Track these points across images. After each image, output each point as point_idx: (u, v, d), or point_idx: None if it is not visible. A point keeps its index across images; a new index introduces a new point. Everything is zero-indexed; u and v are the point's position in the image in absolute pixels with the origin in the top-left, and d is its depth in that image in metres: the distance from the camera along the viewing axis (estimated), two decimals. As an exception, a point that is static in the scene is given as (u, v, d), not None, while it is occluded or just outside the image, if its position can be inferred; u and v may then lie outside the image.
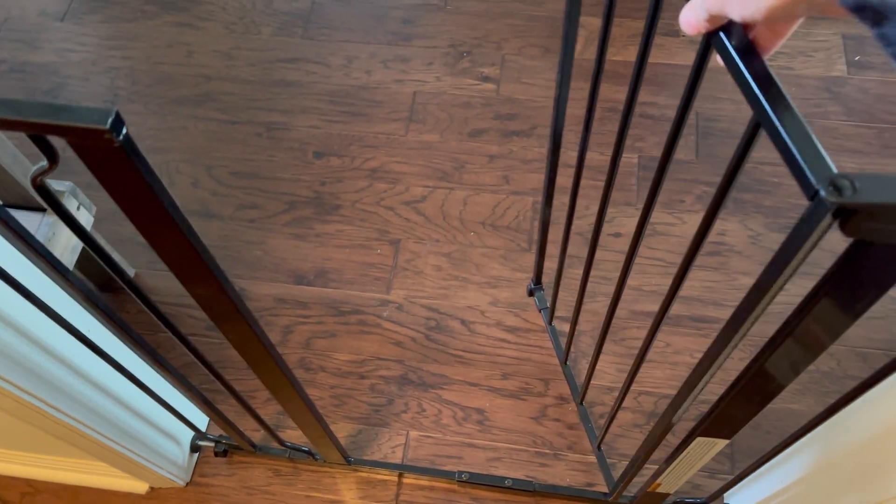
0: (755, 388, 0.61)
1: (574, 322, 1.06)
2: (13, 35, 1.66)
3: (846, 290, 0.46)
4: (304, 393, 0.88)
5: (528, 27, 1.61)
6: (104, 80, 1.59)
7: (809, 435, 0.85)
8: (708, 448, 0.80)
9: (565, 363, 1.23)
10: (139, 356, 0.83)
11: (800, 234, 0.42)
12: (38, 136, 0.46)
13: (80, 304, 0.83)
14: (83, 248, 1.21)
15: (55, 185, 1.14)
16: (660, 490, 0.99)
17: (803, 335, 0.51)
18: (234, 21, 1.67)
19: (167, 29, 1.66)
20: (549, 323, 1.26)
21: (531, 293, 1.29)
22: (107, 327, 0.86)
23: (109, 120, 0.43)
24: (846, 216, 0.39)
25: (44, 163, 0.49)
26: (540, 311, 1.28)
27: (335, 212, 1.40)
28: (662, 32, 1.58)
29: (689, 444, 0.80)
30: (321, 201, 1.41)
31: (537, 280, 1.26)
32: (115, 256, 1.32)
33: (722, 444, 0.79)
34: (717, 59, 0.48)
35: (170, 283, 1.34)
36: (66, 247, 1.16)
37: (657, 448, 0.87)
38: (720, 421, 0.73)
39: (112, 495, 1.17)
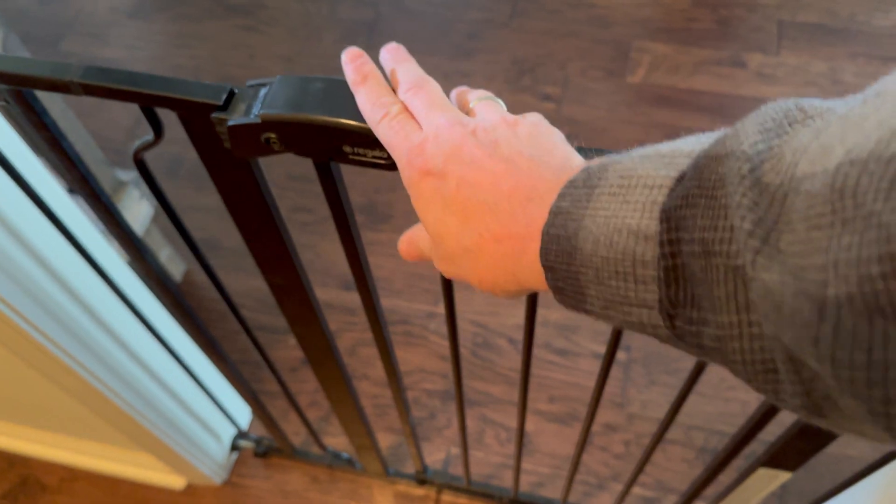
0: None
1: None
2: (84, 29, 1.70)
3: None
4: (355, 393, 0.86)
5: (592, 49, 1.60)
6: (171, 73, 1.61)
7: (865, 482, 0.82)
8: (768, 481, 0.76)
9: (614, 390, 1.19)
10: (197, 345, 0.83)
11: None
12: (149, 107, 0.46)
13: (150, 289, 0.83)
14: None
15: (121, 174, 1.15)
16: (711, 527, 0.96)
17: None
18: (297, 27, 1.68)
19: (232, 31, 1.68)
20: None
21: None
22: (171, 314, 0.86)
23: (223, 97, 0.43)
24: None
25: (149, 136, 0.49)
26: (591, 335, 1.25)
27: (387, 221, 1.40)
28: (729, 63, 1.56)
29: (749, 476, 0.77)
30: (374, 209, 1.41)
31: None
32: (169, 251, 1.32)
33: (784, 477, 0.76)
34: None
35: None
36: (135, 221, 1.17)
37: (710, 483, 0.85)
38: (787, 450, 0.70)
39: (148, 489, 1.17)
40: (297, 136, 0.42)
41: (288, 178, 1.45)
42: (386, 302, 1.31)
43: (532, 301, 0.57)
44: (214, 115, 0.43)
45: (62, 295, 0.72)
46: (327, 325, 0.73)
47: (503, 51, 1.61)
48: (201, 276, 1.35)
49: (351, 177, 1.45)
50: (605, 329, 1.26)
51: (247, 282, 1.34)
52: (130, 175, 1.15)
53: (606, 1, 1.67)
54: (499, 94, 1.65)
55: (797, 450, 0.70)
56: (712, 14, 1.63)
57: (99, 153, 1.09)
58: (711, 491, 1.08)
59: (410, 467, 1.15)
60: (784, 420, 0.66)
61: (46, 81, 0.45)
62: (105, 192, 0.61)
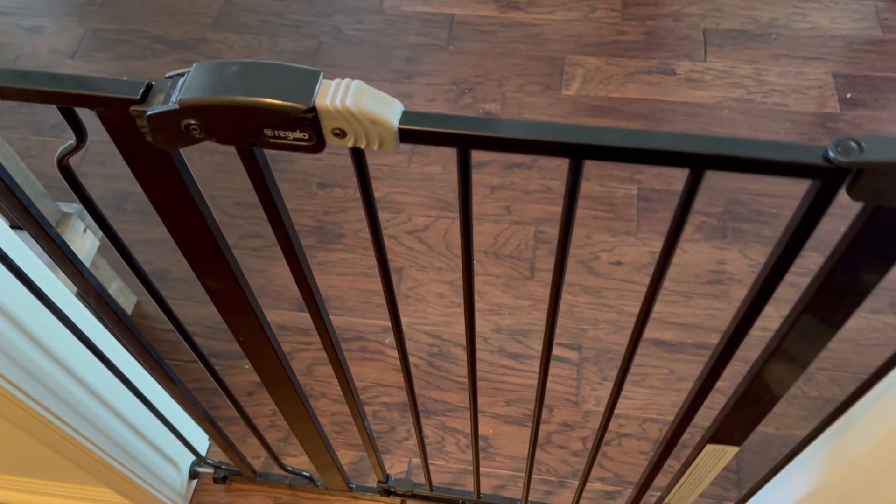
0: (771, 377, 0.62)
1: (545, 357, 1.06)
2: None
3: (858, 260, 0.47)
4: (312, 411, 0.87)
5: (527, 66, 1.65)
6: (112, 114, 1.61)
7: (813, 452, 0.85)
8: (718, 457, 0.79)
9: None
10: (151, 374, 0.83)
11: (816, 207, 0.43)
12: (68, 108, 0.47)
13: (100, 320, 0.83)
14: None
15: (63, 206, 1.15)
16: (668, 512, 0.98)
17: (817, 308, 0.51)
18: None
19: (176, 67, 1.69)
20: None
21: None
22: (123, 345, 0.86)
23: (140, 90, 0.44)
24: (854, 178, 0.41)
25: (71, 141, 0.50)
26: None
27: (338, 241, 1.41)
28: (659, 71, 1.62)
29: (698, 455, 0.79)
30: (324, 230, 1.43)
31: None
32: (118, 284, 1.32)
33: (732, 452, 0.78)
34: None
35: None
36: (80, 253, 1.16)
37: (664, 465, 0.87)
38: (729, 424, 0.72)
39: (107, 524, 1.15)
40: (216, 120, 0.43)
41: (235, 205, 1.46)
42: (340, 320, 1.31)
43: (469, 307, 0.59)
44: (133, 108, 0.45)
45: (11, 329, 0.72)
46: (275, 337, 0.75)
47: (442, 72, 1.66)
48: (152, 309, 1.35)
49: (299, 200, 1.46)
50: (558, 331, 1.29)
51: (198, 310, 1.34)
52: (74, 207, 1.15)
53: (539, 20, 1.73)
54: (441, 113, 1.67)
55: (738, 421, 0.72)
56: (640, 26, 1.70)
57: (40, 187, 1.09)
58: (664, 481, 1.11)
59: (372, 481, 1.15)
60: (725, 393, 0.68)
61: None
62: (49, 222, 0.62)
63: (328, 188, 1.49)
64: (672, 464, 1.15)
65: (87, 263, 1.18)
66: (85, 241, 1.18)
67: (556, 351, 1.27)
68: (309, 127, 0.43)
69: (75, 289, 1.14)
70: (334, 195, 1.47)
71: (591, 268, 1.36)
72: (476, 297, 1.34)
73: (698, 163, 0.42)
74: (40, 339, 0.76)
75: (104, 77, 0.46)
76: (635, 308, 1.31)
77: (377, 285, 1.36)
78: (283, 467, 1.08)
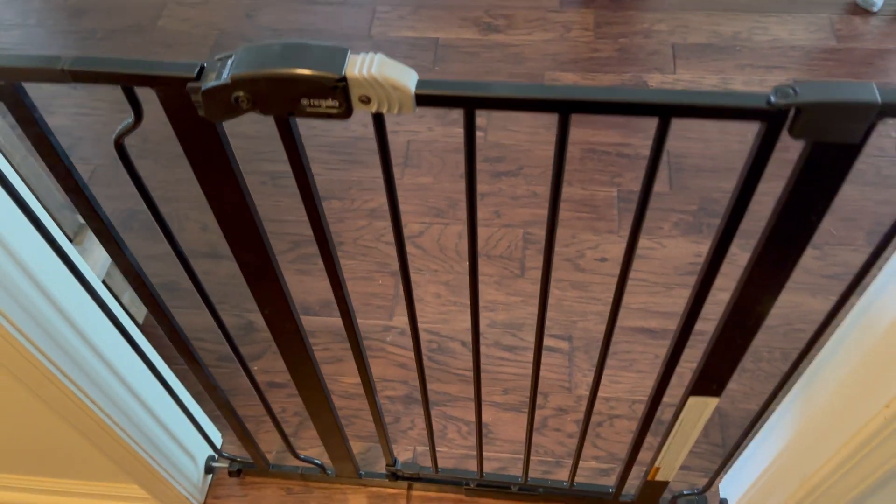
0: (738, 321, 0.70)
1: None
2: (29, 102, 1.78)
3: (806, 192, 0.55)
4: (323, 379, 0.94)
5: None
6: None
7: (784, 409, 0.93)
8: (700, 410, 0.87)
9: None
10: (173, 373, 0.90)
11: (765, 147, 0.52)
12: (129, 88, 0.55)
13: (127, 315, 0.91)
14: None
15: (82, 219, 1.22)
16: (659, 477, 1.05)
17: (771, 252, 0.60)
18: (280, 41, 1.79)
19: (175, 93, 1.78)
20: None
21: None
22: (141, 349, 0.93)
23: (196, 69, 0.53)
24: (794, 119, 0.50)
25: (129, 120, 0.58)
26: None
27: (338, 248, 1.49)
28: (632, 84, 1.73)
29: (683, 409, 0.87)
30: (324, 240, 1.50)
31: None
32: (130, 295, 1.38)
33: (712, 404, 0.86)
34: None
35: (183, 320, 1.40)
36: (96, 264, 1.23)
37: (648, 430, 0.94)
38: (708, 375, 0.80)
39: (127, 520, 1.20)
40: (262, 91, 0.52)
41: (239, 219, 1.53)
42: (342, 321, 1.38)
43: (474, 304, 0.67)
44: (190, 84, 0.53)
45: (60, 320, 0.80)
46: (296, 308, 0.82)
47: (430, 90, 1.75)
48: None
49: (300, 213, 1.54)
50: (547, 323, 1.37)
51: (207, 319, 1.40)
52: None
53: (518, 40, 1.84)
54: (431, 129, 1.80)
55: (716, 368, 0.80)
56: (613, 44, 1.82)
57: (60, 199, 1.16)
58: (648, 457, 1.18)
59: (381, 468, 1.21)
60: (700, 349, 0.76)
61: (40, 72, 0.54)
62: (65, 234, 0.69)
63: (327, 200, 1.57)
64: (652, 440, 1.22)
65: (103, 272, 1.25)
66: (102, 252, 1.24)
67: (548, 342, 1.35)
68: (340, 95, 0.51)
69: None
70: (333, 207, 1.55)
71: (577, 265, 1.44)
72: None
73: (665, 112, 0.51)
74: (81, 328, 0.83)
75: (163, 61, 0.54)
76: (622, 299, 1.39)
77: (377, 288, 1.43)
78: (296, 455, 1.14)
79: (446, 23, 1.89)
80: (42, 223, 0.72)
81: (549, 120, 1.68)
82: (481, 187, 1.57)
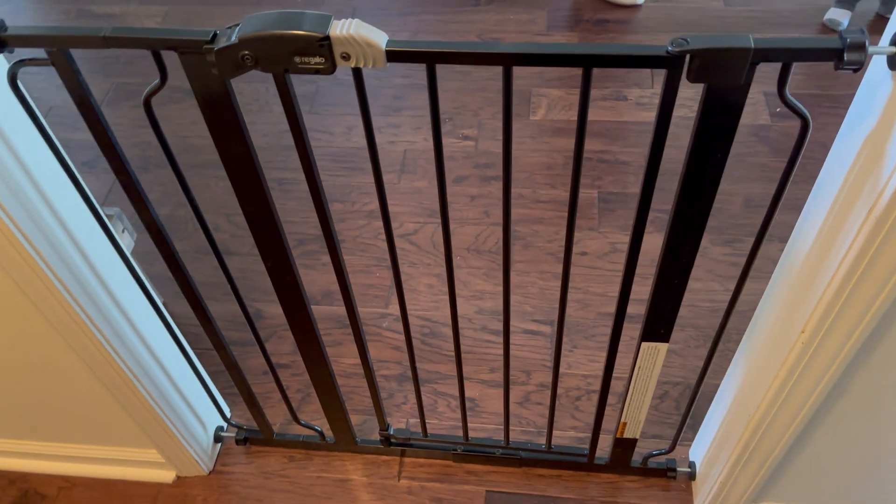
0: (671, 264, 0.81)
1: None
2: (58, 119, 1.93)
3: (707, 136, 0.67)
4: (332, 371, 1.05)
5: (499, 98, 1.90)
6: (137, 151, 1.84)
7: (732, 367, 1.02)
8: (654, 356, 0.97)
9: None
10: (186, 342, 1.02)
11: (670, 87, 0.64)
12: (157, 52, 0.68)
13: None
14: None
15: (105, 210, 1.35)
16: (627, 434, 1.15)
17: (689, 192, 0.72)
18: (250, 102, 1.95)
19: (191, 110, 1.93)
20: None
21: (512, 301, 1.48)
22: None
23: (210, 35, 0.66)
24: (689, 65, 0.62)
25: (157, 81, 0.71)
26: (520, 316, 1.46)
27: (339, 245, 1.61)
28: (613, 98, 1.87)
29: (638, 356, 0.98)
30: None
31: (516, 287, 1.45)
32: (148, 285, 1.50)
33: (663, 349, 0.96)
34: None
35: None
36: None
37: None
38: (655, 319, 0.91)
39: (141, 486, 1.30)
40: (263, 49, 0.64)
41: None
42: (342, 309, 1.50)
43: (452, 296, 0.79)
44: (205, 46, 0.66)
45: (97, 284, 0.93)
46: (294, 261, 0.94)
47: (425, 106, 1.90)
48: (176, 308, 1.53)
49: (305, 214, 1.67)
50: (531, 310, 1.48)
51: (218, 307, 1.52)
52: (114, 210, 1.35)
53: (508, 60, 1.99)
54: (425, 139, 1.93)
55: (659, 313, 0.91)
56: (596, 62, 1.96)
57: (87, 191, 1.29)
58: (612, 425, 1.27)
59: (376, 437, 1.31)
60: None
61: (85, 39, 0.67)
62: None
63: (330, 203, 1.69)
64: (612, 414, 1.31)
65: (124, 260, 1.38)
66: (123, 241, 1.37)
67: (531, 326, 1.45)
68: (325, 52, 0.64)
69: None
70: (335, 209, 1.68)
71: (559, 258, 1.56)
72: (461, 286, 1.53)
73: (588, 62, 0.63)
74: (115, 293, 0.96)
75: (184, 28, 0.67)
76: (599, 288, 1.50)
77: (374, 280, 1.55)
78: (297, 421, 1.24)
79: (442, 46, 2.04)
80: (89, 196, 0.85)
81: (535, 130, 1.81)
82: (472, 190, 1.69)
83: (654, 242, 1.56)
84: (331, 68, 0.66)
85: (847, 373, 0.83)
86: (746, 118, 1.79)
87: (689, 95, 1.86)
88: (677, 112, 1.82)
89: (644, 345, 0.96)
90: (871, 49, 0.59)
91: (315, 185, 0.80)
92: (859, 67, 0.59)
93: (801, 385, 0.85)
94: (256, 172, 0.80)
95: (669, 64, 0.62)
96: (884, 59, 0.62)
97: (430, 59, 0.65)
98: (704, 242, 1.56)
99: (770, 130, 1.77)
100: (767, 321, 0.90)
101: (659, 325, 0.92)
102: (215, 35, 0.66)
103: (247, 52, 0.65)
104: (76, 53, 2.19)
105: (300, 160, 0.77)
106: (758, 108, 1.82)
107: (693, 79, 0.63)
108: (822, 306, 0.74)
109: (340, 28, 0.63)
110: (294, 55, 0.65)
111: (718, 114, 0.66)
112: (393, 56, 0.65)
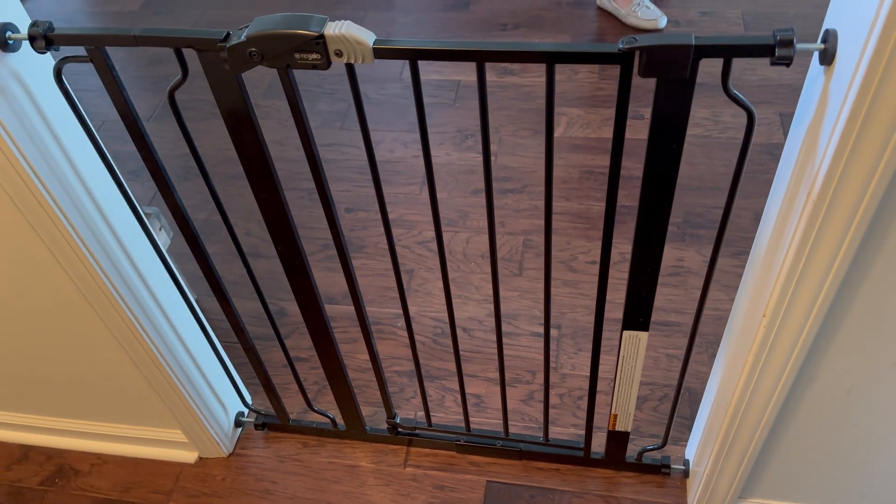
0: (643, 248, 0.87)
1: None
2: (109, 133, 2.09)
3: (661, 127, 0.74)
4: (343, 363, 1.14)
5: (520, 116, 1.98)
6: (179, 161, 1.97)
7: (717, 361, 1.07)
8: (636, 344, 1.03)
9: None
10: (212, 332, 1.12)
11: (625, 79, 0.72)
12: (178, 49, 0.79)
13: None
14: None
15: (144, 208, 1.47)
16: (618, 426, 1.19)
17: (652, 182, 0.79)
18: (285, 118, 2.07)
19: (231, 126, 2.06)
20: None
21: (521, 305, 1.54)
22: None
23: (224, 34, 0.76)
24: (640, 61, 0.69)
25: (179, 76, 0.82)
26: (528, 319, 1.52)
27: (361, 251, 1.71)
28: (630, 117, 1.93)
29: (621, 345, 1.03)
30: (350, 243, 1.72)
31: (525, 291, 1.52)
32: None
33: (644, 337, 1.02)
34: None
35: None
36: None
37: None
38: (634, 308, 0.97)
39: (166, 465, 1.39)
40: (267, 46, 0.74)
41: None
42: (360, 310, 1.58)
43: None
44: (219, 44, 0.76)
45: (131, 271, 1.04)
46: (303, 246, 1.03)
47: (450, 123, 1.99)
48: (207, 304, 1.64)
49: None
50: (540, 314, 1.54)
51: (243, 305, 1.62)
52: (153, 209, 1.47)
53: (530, 82, 2.08)
54: (448, 154, 2.04)
55: (636, 303, 0.97)
56: (614, 83, 2.03)
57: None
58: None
59: (384, 426, 1.39)
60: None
61: (118, 38, 0.78)
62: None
63: (354, 212, 1.79)
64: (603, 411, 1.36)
65: (160, 256, 1.49)
66: (159, 238, 1.49)
67: (538, 329, 1.51)
68: (321, 49, 0.73)
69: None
70: (359, 217, 1.78)
71: (570, 266, 1.62)
72: (474, 291, 1.60)
73: (550, 59, 0.71)
74: (148, 280, 1.06)
75: (202, 29, 0.77)
76: (608, 295, 1.55)
77: (392, 283, 1.63)
78: (311, 407, 1.33)
79: (468, 67, 2.15)
80: (128, 192, 0.96)
81: (554, 146, 1.88)
82: (489, 202, 1.77)
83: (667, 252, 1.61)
84: (326, 64, 0.75)
85: (811, 357, 0.87)
86: (760, 137, 1.84)
87: (705, 115, 1.92)
88: (692, 131, 1.88)
89: (625, 333, 1.01)
90: (798, 46, 0.66)
91: (317, 171, 0.89)
92: (790, 62, 0.66)
93: (769, 370, 0.90)
94: (267, 162, 0.89)
95: (622, 60, 0.70)
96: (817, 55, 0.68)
97: (412, 56, 0.74)
98: (709, 253, 1.60)
99: (783, 149, 1.80)
100: (739, 312, 0.95)
101: (637, 314, 0.98)
102: (228, 35, 0.76)
103: (254, 49, 0.75)
104: (131, 70, 2.35)
105: (304, 150, 0.86)
106: (772, 127, 1.86)
107: (644, 73, 0.70)
108: (778, 289, 0.80)
109: (334, 28, 0.72)
110: (294, 52, 0.75)
111: (670, 106, 0.73)
112: (379, 53, 0.74)
